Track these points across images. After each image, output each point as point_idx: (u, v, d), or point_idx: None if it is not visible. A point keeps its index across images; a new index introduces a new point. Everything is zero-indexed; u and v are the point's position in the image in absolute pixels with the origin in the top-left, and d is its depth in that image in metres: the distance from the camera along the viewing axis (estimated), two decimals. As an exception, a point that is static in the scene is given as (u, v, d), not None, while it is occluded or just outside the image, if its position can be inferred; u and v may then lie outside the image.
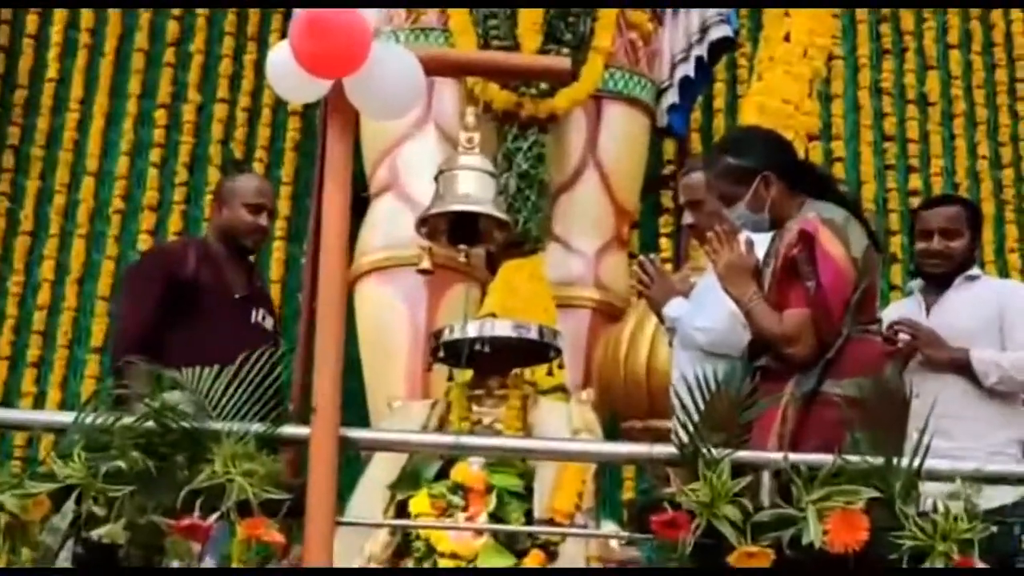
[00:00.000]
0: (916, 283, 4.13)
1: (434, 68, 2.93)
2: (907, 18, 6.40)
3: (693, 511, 2.49)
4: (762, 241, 3.34)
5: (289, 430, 2.61)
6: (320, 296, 2.65)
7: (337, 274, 2.65)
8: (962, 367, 3.76)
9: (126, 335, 3.95)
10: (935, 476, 2.61)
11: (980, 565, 2.48)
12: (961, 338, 3.81)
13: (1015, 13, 6.43)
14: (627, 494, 5.31)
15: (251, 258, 4.33)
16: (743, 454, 2.60)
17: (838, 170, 6.11)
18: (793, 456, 2.61)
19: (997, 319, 3.82)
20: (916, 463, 2.56)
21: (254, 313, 4.08)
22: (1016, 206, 6.24)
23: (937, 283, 3.97)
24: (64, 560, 2.39)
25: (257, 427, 2.55)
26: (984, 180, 6.25)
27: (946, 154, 6.28)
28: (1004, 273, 6.07)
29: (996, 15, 6.47)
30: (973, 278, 3.95)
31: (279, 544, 2.48)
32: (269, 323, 4.17)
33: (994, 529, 2.51)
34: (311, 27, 2.60)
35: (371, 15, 2.65)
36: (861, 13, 6.36)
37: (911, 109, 6.29)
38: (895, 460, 2.55)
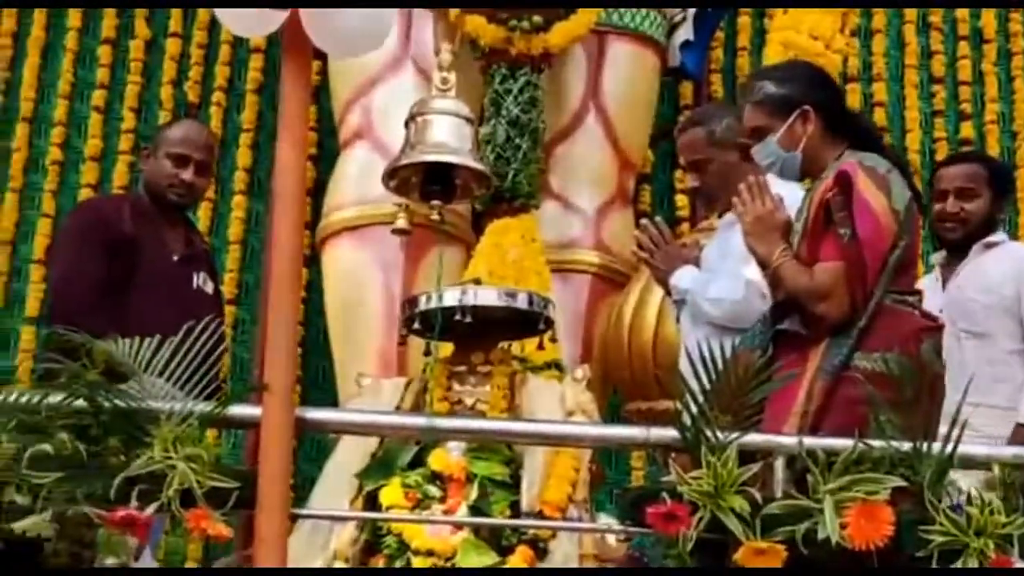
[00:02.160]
0: (937, 256, 4.16)
1: (406, -4, 2.93)
2: (961, -59, 6.40)
3: (695, 503, 2.51)
4: (793, 204, 3.35)
5: (239, 410, 2.62)
6: (273, 258, 2.67)
7: (292, 233, 2.65)
8: None
9: (64, 302, 3.95)
10: (970, 463, 2.63)
11: (1020, 564, 2.51)
12: (973, 315, 3.81)
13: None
14: (637, 484, 5.34)
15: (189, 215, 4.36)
16: (752, 438, 2.61)
17: (879, 116, 6.13)
18: (809, 440, 2.62)
19: (1014, 290, 3.80)
20: (949, 448, 2.57)
21: (195, 277, 4.10)
22: (1082, 159, 6.25)
23: (956, 252, 3.99)
24: (-19, 554, 2.42)
25: (202, 407, 2.56)
26: (1046, 128, 6.26)
27: (1003, 98, 6.28)
28: (1060, 242, 6.09)
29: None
30: (991, 245, 3.94)
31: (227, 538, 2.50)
32: (211, 287, 4.20)
33: (1036, 524, 2.54)
34: (261, -52, 2.60)
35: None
36: (906, -66, 6.36)
37: (963, 47, 6.29)
38: (924, 445, 2.57)
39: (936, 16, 6.31)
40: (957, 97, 6.26)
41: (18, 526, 2.41)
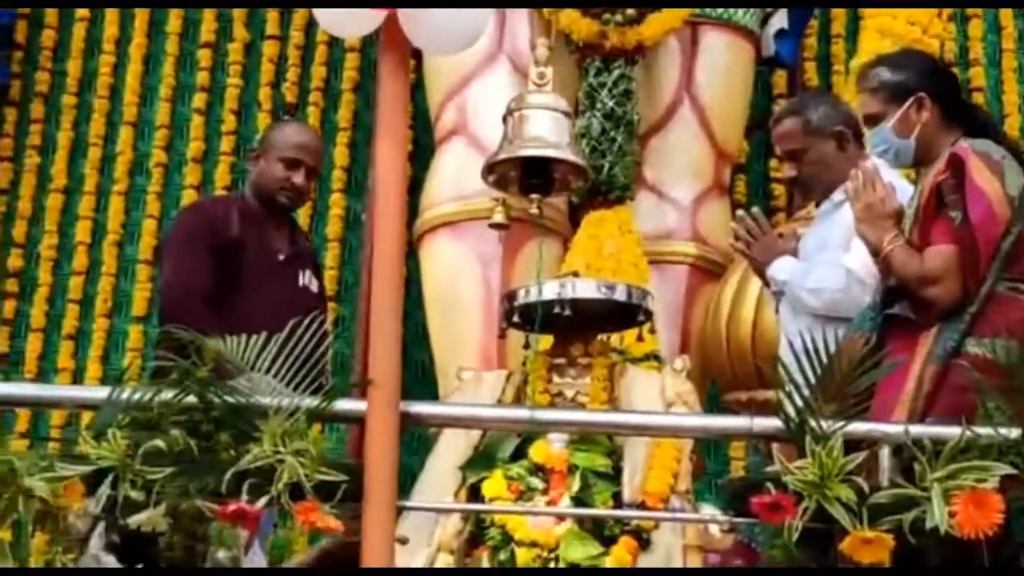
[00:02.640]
0: None
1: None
2: (1058, -80, 6.27)
3: (800, 492, 2.48)
4: (900, 192, 3.31)
5: (344, 405, 2.64)
6: (375, 254, 2.68)
7: (393, 229, 2.66)
8: None
9: (173, 304, 3.99)
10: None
11: None
12: None
13: None
14: (738, 475, 5.30)
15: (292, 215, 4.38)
16: (857, 427, 2.58)
17: (977, 101, 6.01)
18: (915, 429, 2.58)
19: None
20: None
21: (300, 276, 4.13)
22: None
23: None
24: (97, 548, 2.45)
25: (308, 402, 2.58)
26: None
27: (1103, 82, 6.15)
28: None
29: None
30: None
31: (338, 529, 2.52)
32: (315, 285, 4.23)
33: None
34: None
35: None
36: (1003, -84, 6.25)
37: (1062, 29, 6.17)
38: (1034, 432, 2.52)
39: (1033, -1, 6.20)
40: (1056, 80, 6.15)
41: (133, 520, 2.45)
